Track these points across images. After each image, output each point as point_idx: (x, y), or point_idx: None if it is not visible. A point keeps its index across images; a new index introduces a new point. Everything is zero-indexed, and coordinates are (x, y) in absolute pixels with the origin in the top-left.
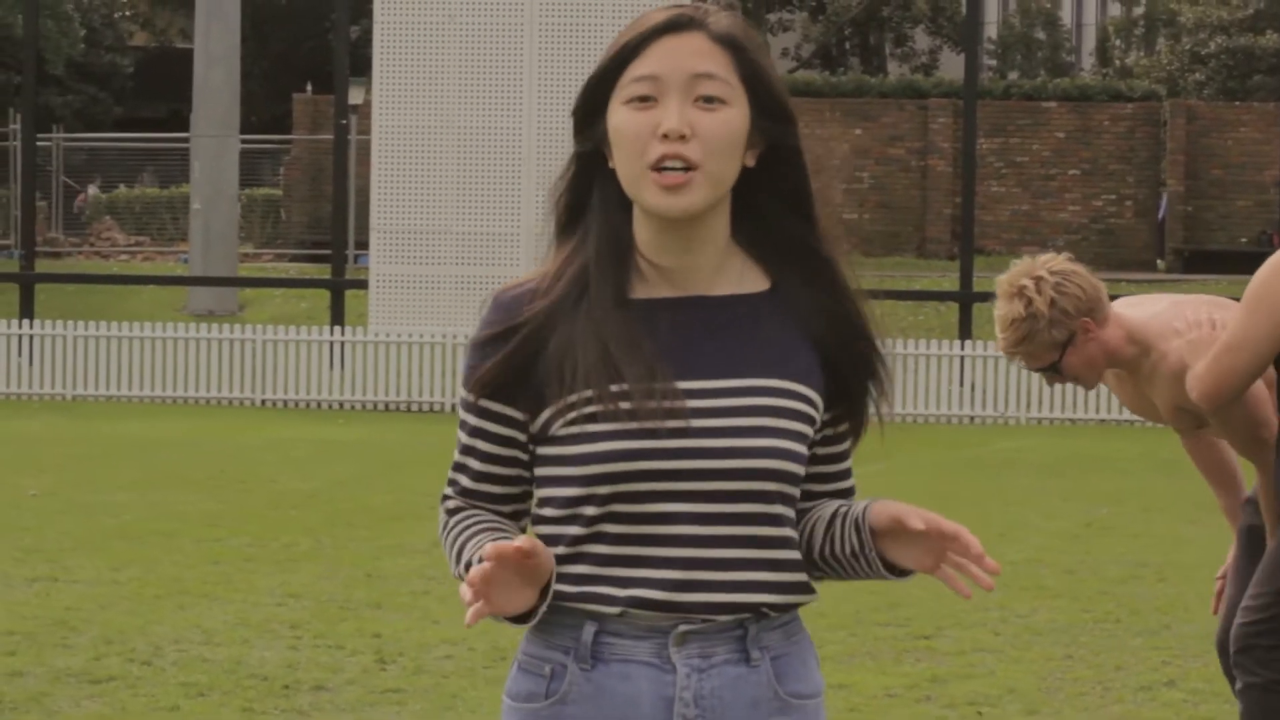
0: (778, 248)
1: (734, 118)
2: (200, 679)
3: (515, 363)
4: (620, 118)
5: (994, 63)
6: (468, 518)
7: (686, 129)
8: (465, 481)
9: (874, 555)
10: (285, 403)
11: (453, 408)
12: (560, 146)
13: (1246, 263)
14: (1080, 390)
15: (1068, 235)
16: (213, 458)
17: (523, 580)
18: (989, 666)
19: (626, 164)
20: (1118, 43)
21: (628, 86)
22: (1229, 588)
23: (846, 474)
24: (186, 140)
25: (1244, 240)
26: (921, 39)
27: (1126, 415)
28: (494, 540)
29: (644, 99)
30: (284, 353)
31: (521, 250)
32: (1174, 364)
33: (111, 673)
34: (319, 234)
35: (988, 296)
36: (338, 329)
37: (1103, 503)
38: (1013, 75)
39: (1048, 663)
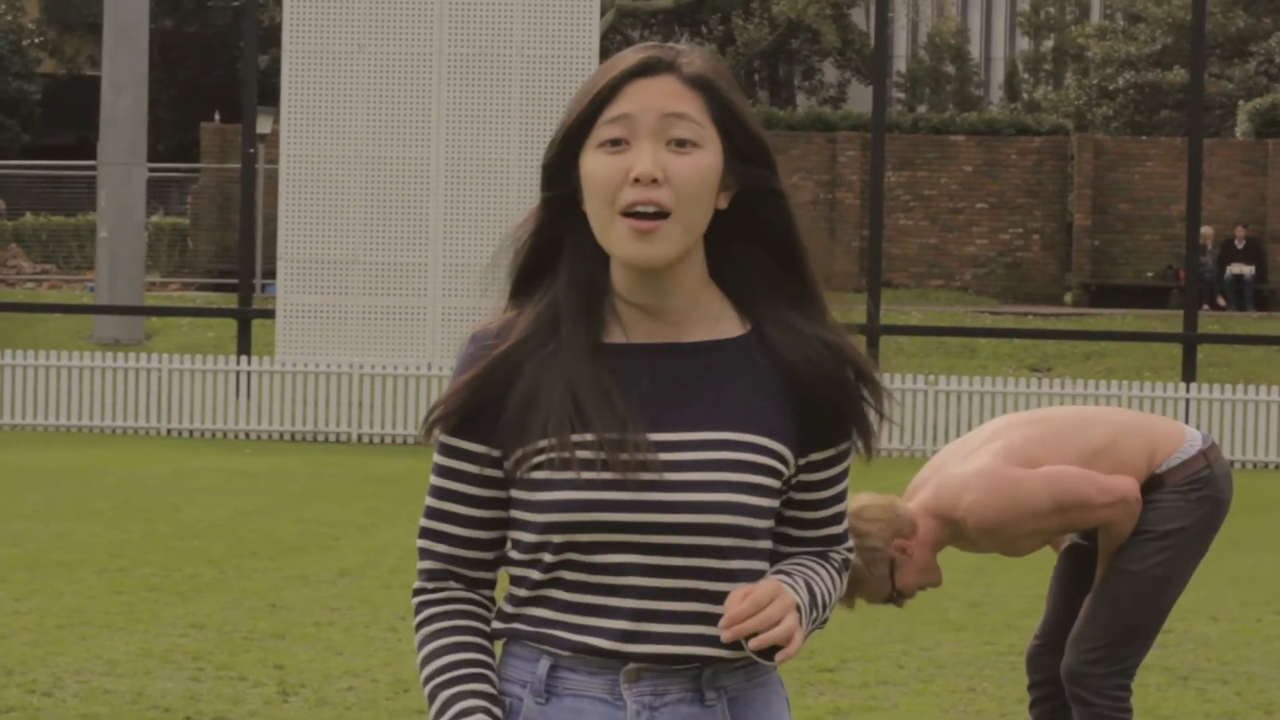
0: (754, 291)
1: (706, 160)
2: (101, 710)
3: (482, 396)
4: (593, 162)
5: (903, 96)
6: (444, 616)
7: (659, 172)
8: (444, 527)
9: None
10: (191, 432)
11: (359, 438)
12: (468, 177)
13: (1153, 297)
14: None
15: (975, 269)
16: (117, 487)
17: None
18: (893, 700)
19: (597, 209)
20: (1026, 77)
21: (600, 130)
22: (1049, 600)
23: (827, 522)
24: (93, 168)
25: (1150, 274)
26: (830, 72)
27: None
28: (460, 683)
29: (616, 142)
30: (190, 382)
31: (429, 281)
32: (978, 521)
33: (11, 704)
34: (226, 263)
35: (895, 330)
36: (244, 358)
37: None
38: (921, 109)
39: (951, 695)
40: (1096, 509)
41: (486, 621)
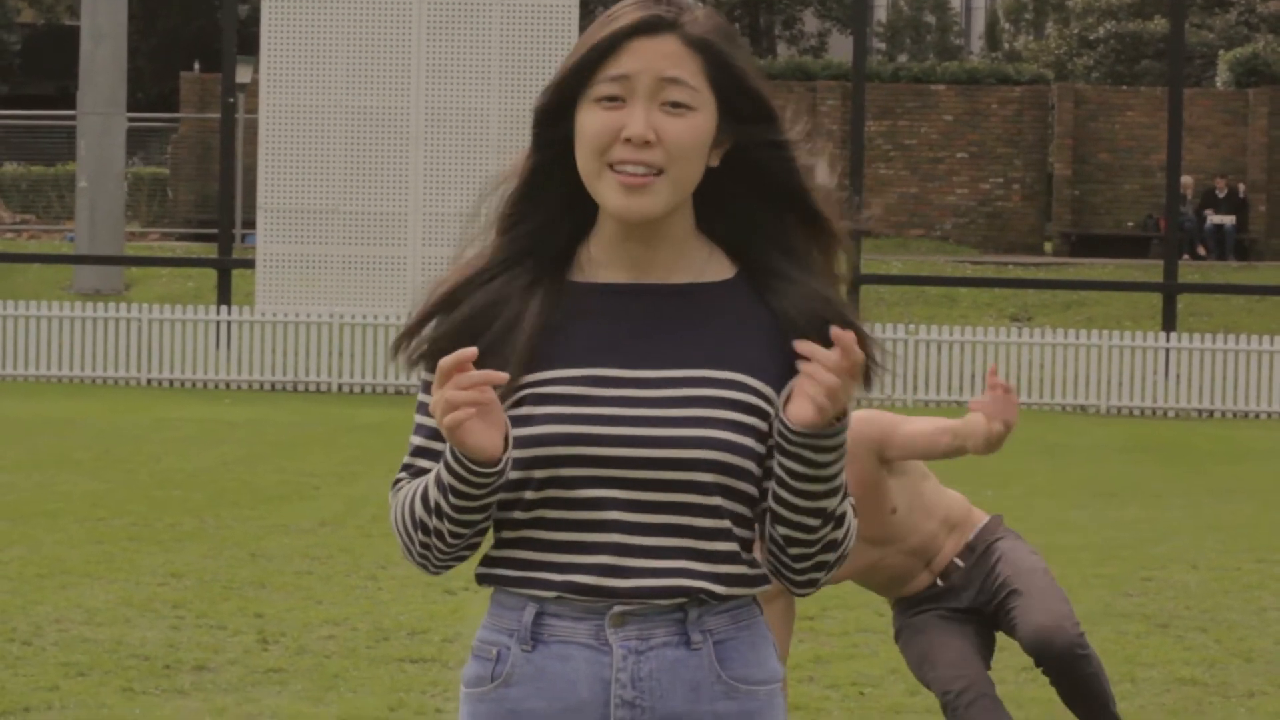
0: (749, 240)
1: (700, 123)
2: (81, 659)
3: (460, 337)
4: (587, 116)
5: (883, 45)
6: (417, 481)
7: (651, 134)
8: (424, 464)
9: (783, 422)
10: (171, 382)
11: (339, 388)
12: (448, 127)
13: (1133, 247)
14: (964, 374)
15: (955, 218)
16: (98, 437)
17: (484, 421)
18: (872, 647)
19: (587, 160)
20: (1007, 26)
21: (597, 85)
22: (958, 650)
23: None
24: (73, 118)
25: (1130, 224)
26: (811, 21)
27: None
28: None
29: (612, 99)
30: (170, 332)
31: (409, 230)
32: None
33: None
34: (206, 213)
35: (875, 279)
36: (224, 308)
37: (987, 486)
38: (902, 58)
39: None
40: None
41: None
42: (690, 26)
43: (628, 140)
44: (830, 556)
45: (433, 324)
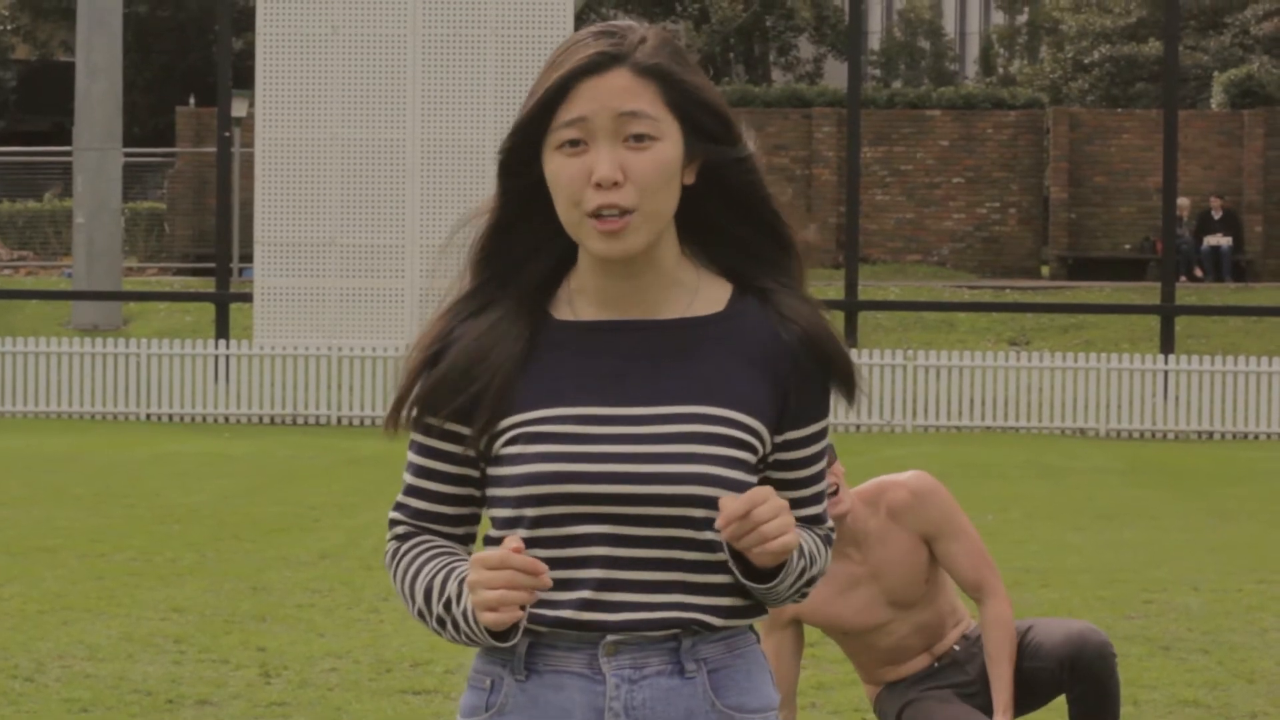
0: (742, 259)
1: (665, 152)
2: (83, 695)
3: (446, 388)
4: (554, 165)
5: (878, 72)
6: (420, 543)
7: (619, 175)
8: (417, 504)
9: (731, 562)
10: (170, 416)
11: (338, 420)
12: (444, 158)
13: (1130, 269)
14: (963, 399)
15: (952, 243)
16: (97, 472)
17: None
18: None
19: (565, 210)
20: (1001, 51)
21: (557, 131)
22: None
23: (806, 502)
24: (69, 154)
25: (1127, 247)
26: (806, 48)
27: (1011, 422)
28: (450, 564)
29: (574, 143)
30: (169, 366)
31: (406, 262)
32: (919, 485)
33: None
34: (203, 247)
35: (873, 305)
36: (222, 342)
37: (988, 509)
38: (897, 84)
39: None
40: (989, 571)
41: (457, 553)
42: (638, 55)
43: (598, 185)
44: (809, 590)
45: (419, 381)
